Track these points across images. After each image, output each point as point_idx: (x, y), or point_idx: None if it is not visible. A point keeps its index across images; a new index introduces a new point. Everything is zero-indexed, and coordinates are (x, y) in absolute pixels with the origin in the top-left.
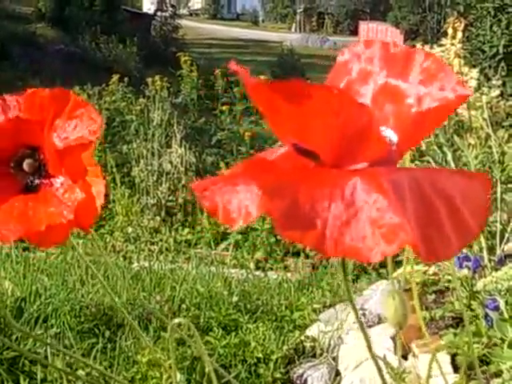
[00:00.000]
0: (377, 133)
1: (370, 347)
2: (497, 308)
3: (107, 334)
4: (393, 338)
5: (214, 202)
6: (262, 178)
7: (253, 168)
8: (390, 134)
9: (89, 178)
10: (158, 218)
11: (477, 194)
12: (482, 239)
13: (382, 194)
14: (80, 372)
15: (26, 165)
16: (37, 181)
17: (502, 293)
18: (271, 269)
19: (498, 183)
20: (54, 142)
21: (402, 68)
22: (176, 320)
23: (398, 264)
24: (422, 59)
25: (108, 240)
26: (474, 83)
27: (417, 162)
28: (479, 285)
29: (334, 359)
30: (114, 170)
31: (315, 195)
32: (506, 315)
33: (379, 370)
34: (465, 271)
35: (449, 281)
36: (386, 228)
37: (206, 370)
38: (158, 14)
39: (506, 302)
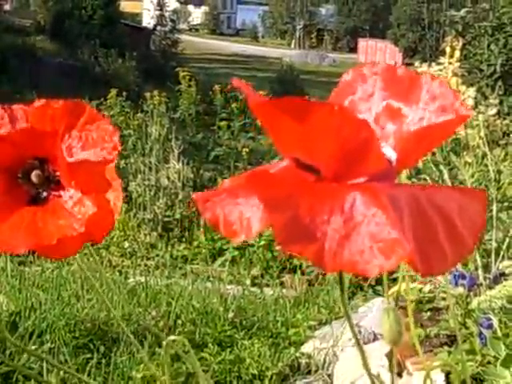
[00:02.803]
0: (376, 148)
1: (365, 363)
2: (491, 326)
3: (102, 349)
4: (388, 356)
5: (215, 214)
6: (264, 190)
7: (254, 180)
8: (390, 152)
9: (105, 191)
10: (154, 234)
11: (473, 210)
12: (478, 257)
13: (381, 208)
14: None
15: (34, 176)
16: (45, 193)
17: (496, 311)
18: (267, 285)
19: (494, 202)
20: (64, 154)
21: (405, 90)
22: (171, 337)
23: (393, 281)
24: (427, 82)
25: (104, 255)
26: (471, 102)
27: (414, 180)
28: (474, 303)
29: (329, 376)
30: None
31: (315, 209)
32: (499, 333)
33: None
34: (460, 289)
35: (444, 299)
36: (384, 243)
37: None
38: (158, 28)
39: (500, 321)
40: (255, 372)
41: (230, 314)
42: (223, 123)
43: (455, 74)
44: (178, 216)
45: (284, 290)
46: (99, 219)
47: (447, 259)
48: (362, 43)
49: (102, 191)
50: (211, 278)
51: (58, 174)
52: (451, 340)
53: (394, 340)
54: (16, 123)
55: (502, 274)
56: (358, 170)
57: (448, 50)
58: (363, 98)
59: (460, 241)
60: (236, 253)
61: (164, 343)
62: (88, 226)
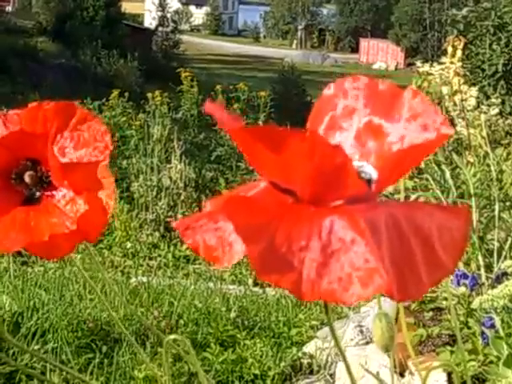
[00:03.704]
0: (352, 173)
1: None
2: (493, 326)
3: (104, 349)
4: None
5: (195, 241)
6: (239, 218)
7: (231, 207)
8: (371, 171)
9: (97, 190)
10: (156, 234)
11: (455, 229)
12: (480, 257)
13: (359, 234)
14: None
15: (27, 177)
16: (38, 193)
17: (498, 310)
18: (269, 285)
19: (496, 201)
20: (56, 155)
21: (387, 106)
22: (172, 336)
23: None
24: (409, 98)
25: (106, 255)
26: (473, 101)
27: (416, 180)
28: (475, 302)
29: (332, 376)
30: (113, 184)
31: (292, 235)
32: (501, 333)
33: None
34: (462, 289)
35: (446, 298)
36: (363, 271)
37: None
38: (160, 29)
39: (502, 320)
40: (257, 372)
41: (232, 314)
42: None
43: (457, 74)
44: (180, 216)
45: (286, 291)
46: (92, 217)
47: (424, 284)
48: (364, 43)
49: (94, 190)
50: (213, 278)
51: (50, 174)
52: (453, 340)
53: (385, 345)
54: (10, 128)
55: (505, 274)
56: (335, 193)
57: (450, 49)
58: (344, 113)
59: (438, 264)
60: None
61: (164, 342)
62: (80, 225)
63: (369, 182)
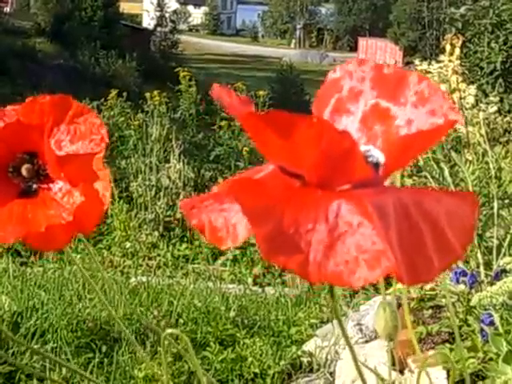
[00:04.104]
0: (359, 158)
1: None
2: (492, 323)
3: (104, 348)
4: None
5: (200, 221)
6: (246, 200)
7: (237, 189)
8: (378, 155)
9: (93, 181)
10: (155, 233)
11: (463, 215)
12: (479, 255)
13: (366, 217)
14: None
15: (24, 170)
16: (35, 186)
17: (497, 307)
18: (269, 284)
19: (495, 199)
20: (53, 148)
21: (393, 90)
22: (169, 330)
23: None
24: (415, 82)
25: (106, 255)
26: (471, 100)
27: (414, 178)
28: (474, 299)
29: (331, 374)
30: (112, 184)
31: (300, 218)
32: (500, 330)
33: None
34: (461, 286)
35: (445, 296)
36: (369, 254)
37: None
38: (158, 29)
39: (501, 317)
40: (257, 371)
41: (232, 313)
42: (224, 123)
43: (455, 72)
44: (179, 216)
45: (286, 289)
46: (88, 209)
47: (434, 267)
48: (362, 42)
49: (90, 182)
50: (213, 278)
51: (47, 167)
52: (453, 337)
53: (389, 334)
54: (7, 122)
55: (504, 271)
56: (342, 178)
57: (448, 48)
58: (350, 96)
59: (448, 248)
60: (237, 252)
61: (162, 337)
62: (77, 216)
63: (376, 165)
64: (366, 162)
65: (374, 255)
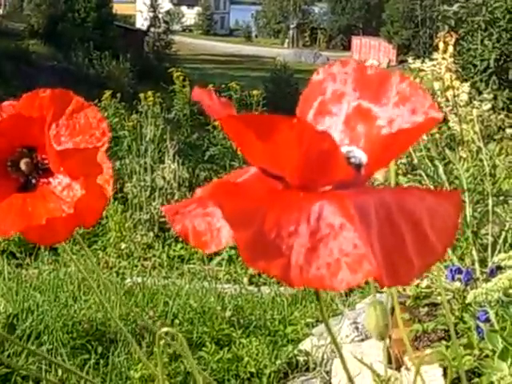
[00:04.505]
0: (340, 157)
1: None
2: (488, 320)
3: (100, 349)
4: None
5: (184, 226)
6: (227, 204)
7: (219, 193)
8: (360, 155)
9: (95, 175)
10: (151, 234)
11: (446, 214)
12: (474, 252)
13: (348, 219)
14: None
15: (23, 164)
16: (34, 180)
17: (493, 304)
18: (264, 283)
19: (490, 196)
20: (52, 142)
21: (376, 90)
22: (164, 329)
23: None
24: (397, 82)
25: (101, 256)
26: (465, 97)
27: (409, 176)
28: (470, 297)
29: (328, 373)
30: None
31: (281, 221)
32: (496, 326)
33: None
34: (457, 284)
35: (440, 294)
36: (351, 257)
37: None
38: (151, 29)
39: (496, 314)
40: (253, 370)
41: (228, 313)
42: (218, 123)
43: (449, 70)
44: None
45: (281, 288)
46: (89, 202)
47: (414, 269)
48: (356, 41)
49: (92, 176)
50: (208, 278)
51: (46, 161)
52: (449, 335)
53: (380, 333)
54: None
55: (499, 268)
56: (323, 179)
57: (441, 45)
58: (333, 98)
59: (429, 248)
60: (233, 252)
61: (157, 335)
62: (77, 209)
63: (359, 166)
64: (348, 163)
65: (356, 259)
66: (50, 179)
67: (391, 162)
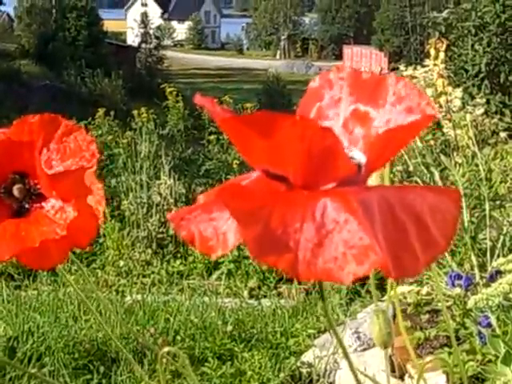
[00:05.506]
0: (342, 155)
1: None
2: (489, 325)
3: (102, 369)
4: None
5: (190, 232)
6: (234, 203)
7: (225, 195)
8: (359, 156)
9: (86, 196)
10: (149, 251)
11: (446, 210)
12: (473, 257)
13: (352, 214)
14: None
15: (16, 190)
16: (27, 205)
17: (494, 309)
18: (265, 296)
19: (486, 200)
20: (43, 167)
21: (372, 93)
22: (166, 349)
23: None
24: (393, 84)
25: (100, 275)
26: (458, 102)
27: (405, 183)
28: (470, 302)
29: None
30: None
31: (287, 218)
32: (498, 331)
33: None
34: (457, 290)
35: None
36: (357, 249)
37: None
38: (143, 46)
39: (498, 318)
40: None
41: (229, 327)
42: (212, 137)
43: (441, 76)
44: (171, 232)
45: (282, 301)
46: (81, 223)
47: (419, 261)
48: (347, 50)
49: (83, 197)
50: (208, 292)
51: (38, 186)
52: (451, 341)
53: (384, 342)
54: None
55: (498, 272)
56: (326, 176)
57: (432, 52)
58: (331, 104)
59: (432, 242)
60: (232, 266)
61: (159, 355)
62: (71, 231)
63: (358, 167)
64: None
65: (362, 250)
66: (43, 203)
67: (387, 167)
